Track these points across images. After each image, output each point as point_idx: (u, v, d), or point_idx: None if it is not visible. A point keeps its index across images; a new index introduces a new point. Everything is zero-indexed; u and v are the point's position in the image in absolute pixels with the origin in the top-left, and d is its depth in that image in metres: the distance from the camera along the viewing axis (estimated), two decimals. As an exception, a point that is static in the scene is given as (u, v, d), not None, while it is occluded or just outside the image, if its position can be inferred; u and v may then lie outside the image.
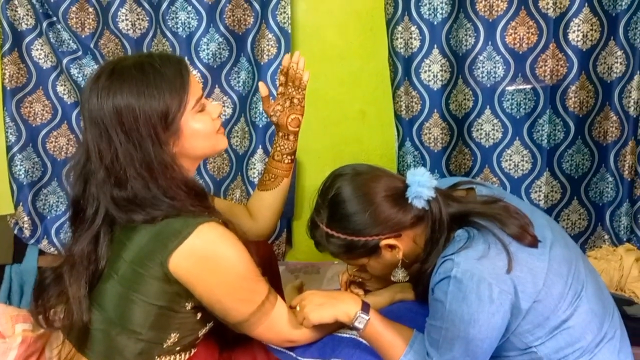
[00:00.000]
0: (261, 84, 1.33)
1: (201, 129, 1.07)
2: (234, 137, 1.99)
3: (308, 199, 2.06)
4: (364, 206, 1.05)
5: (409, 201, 1.05)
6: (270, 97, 1.33)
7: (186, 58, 1.89)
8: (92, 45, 1.92)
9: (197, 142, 1.09)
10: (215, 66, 1.92)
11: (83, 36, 1.92)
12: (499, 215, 1.04)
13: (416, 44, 1.82)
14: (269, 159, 1.35)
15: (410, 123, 1.89)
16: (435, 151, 1.90)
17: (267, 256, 1.38)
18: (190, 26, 1.89)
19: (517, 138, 1.85)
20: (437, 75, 1.84)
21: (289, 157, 1.33)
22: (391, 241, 1.07)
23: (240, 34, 1.90)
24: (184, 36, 1.89)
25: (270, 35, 1.87)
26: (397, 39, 1.82)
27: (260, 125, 1.90)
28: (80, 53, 1.93)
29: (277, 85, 1.33)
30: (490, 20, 1.77)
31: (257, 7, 1.85)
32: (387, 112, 1.93)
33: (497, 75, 1.81)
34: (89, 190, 1.07)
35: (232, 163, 2.01)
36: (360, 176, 1.09)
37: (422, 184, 1.04)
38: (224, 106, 1.97)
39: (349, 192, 1.07)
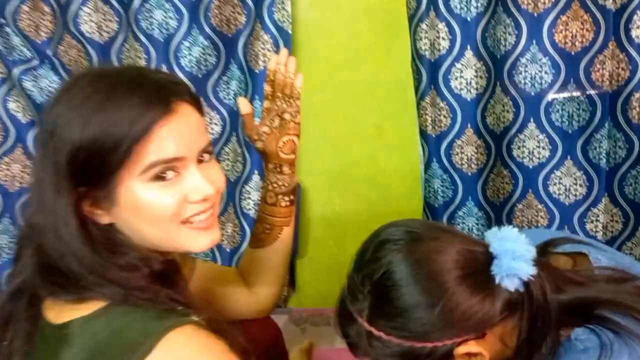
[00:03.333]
0: (241, 100, 0.97)
1: (146, 207, 0.66)
2: (224, 161, 1.65)
3: (313, 232, 1.75)
4: (430, 296, 0.68)
5: (497, 281, 0.68)
6: (255, 118, 0.98)
7: (164, 66, 1.56)
8: (49, 53, 1.58)
9: (140, 224, 0.68)
10: (200, 75, 1.58)
11: (38, 41, 1.57)
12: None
13: (445, 44, 1.49)
14: (261, 203, 0.99)
15: (437, 140, 1.56)
16: (469, 174, 1.57)
17: (271, 341, 1.02)
18: (169, 27, 1.55)
19: (569, 157, 1.53)
20: (470, 83, 1.51)
21: (286, 198, 0.96)
22: (472, 346, 0.69)
23: (229, 35, 1.57)
24: (162, 40, 1.55)
25: (266, 37, 1.54)
26: (421, 39, 1.50)
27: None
28: (35, 62, 1.59)
29: (264, 96, 0.99)
30: (536, 14, 1.45)
31: (250, 3, 1.53)
32: (410, 128, 1.60)
33: (543, 81, 1.49)
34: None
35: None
36: (420, 244, 0.71)
37: (517, 255, 0.68)
38: (210, 123, 1.63)
39: (407, 272, 0.69)
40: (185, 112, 0.69)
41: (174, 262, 0.74)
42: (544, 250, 0.74)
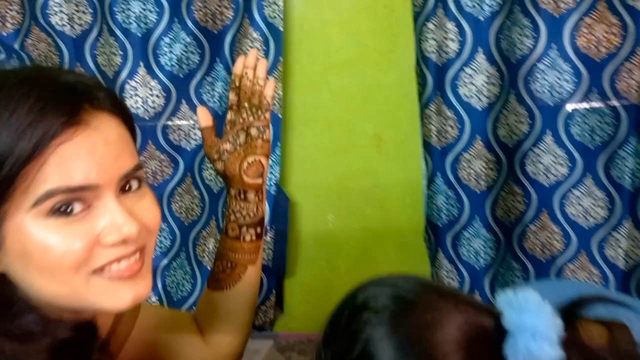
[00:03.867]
0: (200, 110, 0.82)
1: (39, 252, 0.50)
2: (207, 170, 1.50)
3: (304, 250, 1.59)
4: None
5: None
6: (215, 133, 0.83)
7: (142, 64, 1.40)
8: (16, 46, 1.43)
9: (32, 274, 0.51)
10: (181, 75, 1.43)
11: (4, 33, 1.43)
12: None
13: (454, 46, 1.34)
14: (221, 235, 0.83)
15: (443, 153, 1.40)
16: (478, 192, 1.41)
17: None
18: (148, 21, 1.40)
19: (589, 175, 1.37)
20: (481, 90, 1.35)
21: (252, 231, 0.80)
22: None
23: (215, 32, 1.42)
24: (139, 35, 1.40)
25: (255, 34, 1.39)
26: (427, 40, 1.35)
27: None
28: (2, 56, 1.44)
29: (228, 107, 0.84)
30: (557, 15, 1.30)
31: (238, -5, 1.38)
32: (412, 138, 1.44)
33: (563, 90, 1.33)
34: None
35: (205, 202, 1.52)
36: (410, 316, 0.53)
37: (539, 333, 0.49)
38: (193, 128, 1.47)
39: (391, 354, 0.51)
40: (102, 125, 0.52)
41: (90, 326, 0.56)
42: (571, 316, 0.56)
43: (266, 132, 0.78)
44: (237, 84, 0.80)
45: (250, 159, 0.78)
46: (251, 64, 0.78)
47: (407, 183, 1.48)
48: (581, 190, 1.38)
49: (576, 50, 1.31)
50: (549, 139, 1.37)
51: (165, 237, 1.54)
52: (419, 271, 1.52)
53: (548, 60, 1.32)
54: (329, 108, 1.45)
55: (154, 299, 1.54)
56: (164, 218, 1.52)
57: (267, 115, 0.78)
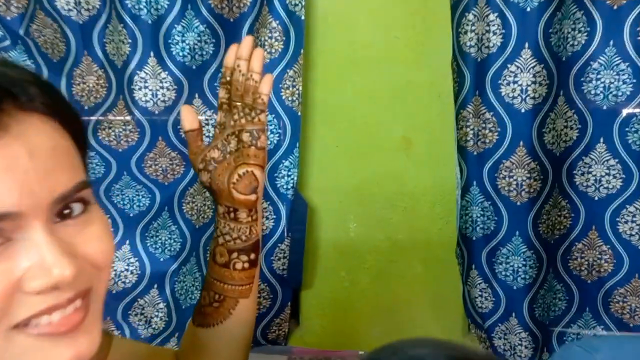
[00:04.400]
0: (184, 109, 0.69)
1: None
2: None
3: (323, 260, 1.46)
4: None
5: None
6: (202, 138, 0.70)
7: (152, 53, 1.29)
8: (21, 32, 1.34)
9: None
10: (194, 67, 1.31)
11: (8, 18, 1.33)
12: None
13: (496, 41, 1.19)
14: (208, 261, 0.70)
15: (480, 160, 1.26)
16: (518, 203, 1.26)
17: None
18: (159, 8, 1.28)
19: (647, 189, 1.22)
20: (526, 90, 1.20)
21: (244, 258, 0.67)
22: None
23: (231, 20, 1.30)
24: (150, 22, 1.29)
25: (274, 24, 1.27)
26: (466, 32, 1.20)
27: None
28: (7, 42, 1.35)
29: (218, 106, 0.70)
30: (615, 7, 1.14)
31: (257, -20, 1.25)
32: (445, 142, 1.30)
33: (620, 93, 1.18)
34: None
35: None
36: None
37: None
38: (205, 124, 1.36)
39: None
40: (28, 132, 0.39)
41: None
42: None
43: (261, 137, 0.66)
44: (227, 78, 0.67)
45: (241, 170, 0.65)
46: (244, 54, 0.65)
47: (437, 191, 1.34)
48: (636, 206, 1.22)
49: (637, 47, 1.15)
50: (601, 147, 1.22)
51: (175, 240, 1.43)
52: (449, 288, 1.38)
53: (604, 59, 1.16)
54: (353, 107, 1.32)
55: (161, 305, 1.45)
56: (174, 219, 1.42)
57: (263, 117, 0.66)
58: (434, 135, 1.31)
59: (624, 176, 1.22)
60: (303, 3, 1.24)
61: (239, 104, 0.66)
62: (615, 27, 1.15)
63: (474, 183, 1.28)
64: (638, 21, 1.13)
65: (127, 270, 1.42)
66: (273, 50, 1.27)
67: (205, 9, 1.27)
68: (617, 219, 1.25)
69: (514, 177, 1.25)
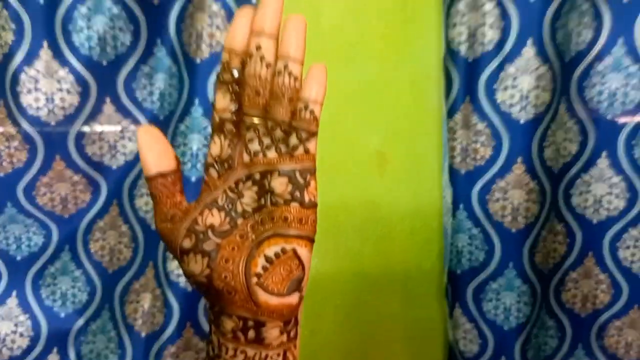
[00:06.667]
0: (144, 133, 0.38)
1: None
2: (142, 196, 1.08)
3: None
4: None
5: None
6: (182, 188, 0.40)
7: (45, 44, 0.96)
8: None
9: None
10: (104, 62, 0.99)
11: None
12: None
13: (493, 35, 0.98)
14: None
15: (470, 178, 1.05)
16: (513, 230, 1.07)
17: None
18: (55, -18, 0.95)
19: (653, 210, 1.07)
20: (527, 96, 1.01)
21: None
22: None
23: (155, 2, 0.99)
24: (42, 2, 0.95)
25: (215, 7, 0.98)
26: (455, 25, 0.99)
27: (194, 180, 1.01)
28: None
29: (212, 126, 0.40)
30: (626, 0, 0.97)
31: (191, -50, 0.96)
32: (428, 158, 1.08)
33: (627, 99, 1.02)
34: None
35: (137, 241, 1.09)
36: None
37: None
38: (122, 138, 1.04)
39: None
40: None
41: None
42: None
43: (310, 184, 0.39)
44: (234, 73, 0.38)
45: (272, 248, 0.38)
46: (269, 25, 0.37)
47: (418, 216, 1.11)
48: (641, 229, 1.08)
49: (650, 47, 0.99)
50: (603, 162, 1.05)
51: (80, 289, 1.09)
52: (431, 330, 1.16)
53: (610, 59, 1.00)
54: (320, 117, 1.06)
55: (62, 373, 1.11)
56: (78, 262, 1.08)
57: (312, 146, 0.39)
58: (415, 149, 1.08)
59: (627, 195, 1.06)
60: (254, -18, 0.97)
61: (257, 121, 0.38)
62: (625, 23, 0.98)
63: (461, 206, 1.07)
64: (652, 16, 0.97)
65: (14, 332, 1.06)
66: (214, 43, 0.98)
67: (119, -15, 0.95)
68: (617, 244, 1.09)
69: (509, 200, 1.05)
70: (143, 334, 1.08)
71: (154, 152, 0.38)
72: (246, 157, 0.39)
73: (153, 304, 1.08)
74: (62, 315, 1.09)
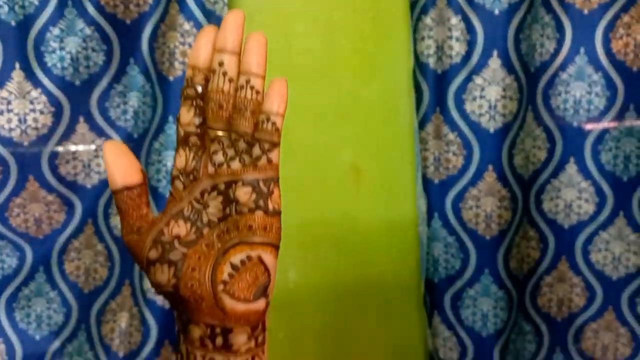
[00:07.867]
0: (110, 147, 0.39)
1: None
2: (116, 215, 1.07)
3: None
4: None
5: None
6: (148, 201, 0.41)
7: (17, 65, 0.96)
8: None
9: None
10: (77, 82, 0.99)
11: None
12: None
13: (460, 49, 1.01)
14: None
15: (443, 188, 1.07)
16: (487, 237, 1.08)
17: None
18: (27, 4, 0.96)
19: (622, 213, 1.10)
20: (495, 106, 1.03)
21: None
22: None
23: (127, 22, 1.00)
24: (13, 23, 0.95)
25: (187, 26, 0.99)
26: (423, 38, 1.01)
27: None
28: None
29: (177, 139, 0.41)
30: (586, 11, 1.01)
31: (162, -30, 0.97)
32: (402, 169, 1.10)
33: (592, 107, 1.05)
34: None
35: (113, 260, 1.09)
36: None
37: None
38: (96, 156, 1.04)
39: None
40: None
41: None
42: None
43: (273, 193, 0.40)
44: (198, 88, 0.40)
45: (237, 256, 0.39)
46: (231, 42, 0.39)
47: (394, 227, 1.13)
48: (610, 232, 1.10)
49: (610, 56, 1.03)
50: (571, 168, 1.08)
51: (55, 311, 1.08)
52: (411, 341, 1.17)
53: (573, 69, 1.03)
54: (289, 129, 1.06)
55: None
56: (53, 283, 1.07)
57: (274, 156, 0.40)
58: (389, 161, 1.10)
59: (597, 200, 1.09)
60: (225, 0, 0.98)
61: (222, 134, 0.39)
62: (586, 34, 1.02)
63: (435, 215, 1.09)
64: (611, 26, 1.01)
65: (-12, 357, 1.05)
66: (186, 60, 0.99)
67: (92, 6, 0.96)
68: (589, 248, 1.12)
69: (482, 207, 1.07)
70: (121, 354, 1.07)
71: (120, 165, 0.39)
72: (211, 169, 0.40)
73: (130, 322, 1.07)
74: (37, 337, 1.07)
